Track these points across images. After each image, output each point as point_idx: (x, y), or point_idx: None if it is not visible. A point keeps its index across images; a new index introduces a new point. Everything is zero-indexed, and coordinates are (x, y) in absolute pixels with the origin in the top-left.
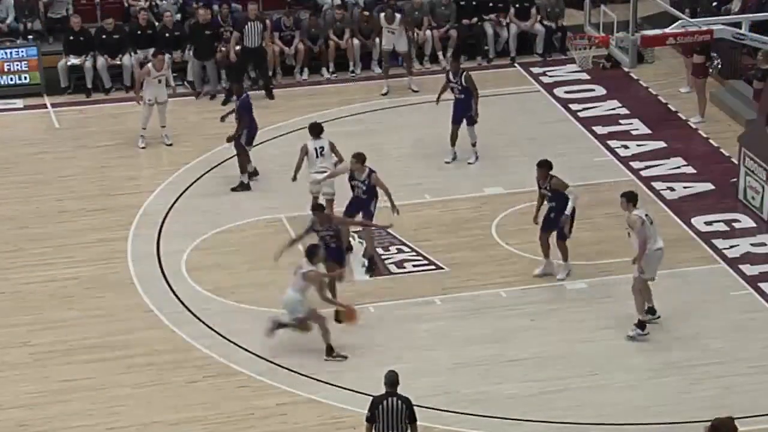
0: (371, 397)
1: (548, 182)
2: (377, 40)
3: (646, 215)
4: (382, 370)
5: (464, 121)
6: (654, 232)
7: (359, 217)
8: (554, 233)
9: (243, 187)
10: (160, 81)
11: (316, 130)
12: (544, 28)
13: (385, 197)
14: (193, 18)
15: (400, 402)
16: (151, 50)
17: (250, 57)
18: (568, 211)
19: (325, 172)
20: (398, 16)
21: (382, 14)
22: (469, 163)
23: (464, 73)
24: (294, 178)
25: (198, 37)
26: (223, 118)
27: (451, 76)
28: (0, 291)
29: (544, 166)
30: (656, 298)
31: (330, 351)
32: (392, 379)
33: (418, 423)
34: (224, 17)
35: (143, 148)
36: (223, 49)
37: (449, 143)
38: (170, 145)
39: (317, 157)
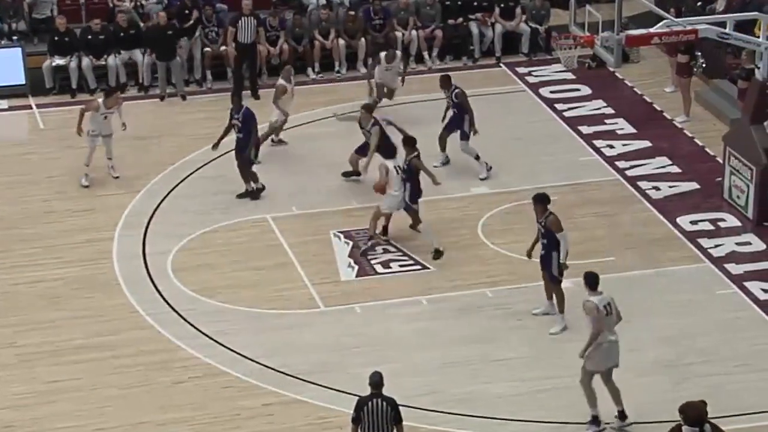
0: (357, 398)
1: (545, 218)
2: (362, 40)
3: (607, 305)
4: (368, 371)
5: (458, 135)
6: (610, 323)
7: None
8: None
9: (253, 194)
10: (106, 117)
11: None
12: (529, 27)
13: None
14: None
15: (384, 403)
16: (136, 51)
17: (243, 53)
18: (562, 258)
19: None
20: (398, 53)
21: (383, 53)
22: (481, 179)
23: (456, 90)
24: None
25: (158, 39)
26: (215, 146)
27: (445, 92)
28: None
29: (539, 201)
30: (643, 296)
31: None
32: (377, 380)
33: (404, 423)
34: (209, 17)
35: (86, 186)
36: (208, 49)
37: (439, 148)
38: (117, 177)
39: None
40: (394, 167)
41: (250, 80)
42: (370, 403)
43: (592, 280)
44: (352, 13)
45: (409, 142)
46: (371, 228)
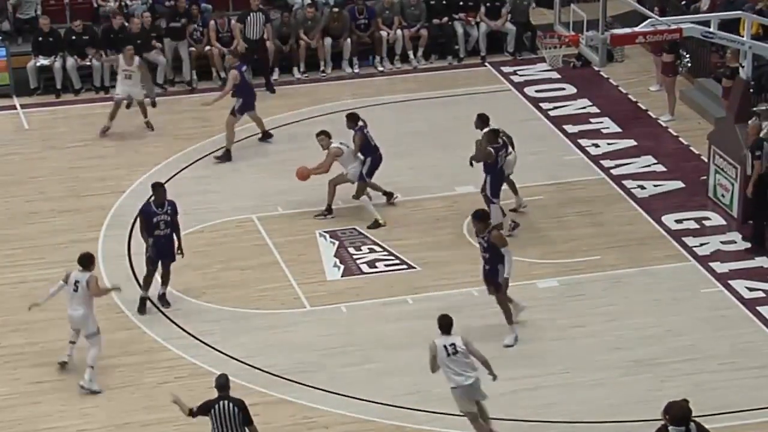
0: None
1: (487, 233)
2: (347, 40)
3: (451, 345)
4: (354, 370)
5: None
6: (457, 362)
7: None
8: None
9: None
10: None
11: None
12: (514, 26)
13: None
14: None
15: (232, 405)
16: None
17: (251, 49)
18: (507, 274)
19: None
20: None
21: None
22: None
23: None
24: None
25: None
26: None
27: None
28: None
29: (480, 219)
30: (628, 294)
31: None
32: (222, 383)
33: (390, 422)
34: (194, 17)
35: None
36: (193, 48)
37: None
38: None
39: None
40: (340, 145)
41: (264, 75)
42: (217, 406)
43: (443, 322)
44: (337, 11)
45: (351, 118)
46: (330, 193)
